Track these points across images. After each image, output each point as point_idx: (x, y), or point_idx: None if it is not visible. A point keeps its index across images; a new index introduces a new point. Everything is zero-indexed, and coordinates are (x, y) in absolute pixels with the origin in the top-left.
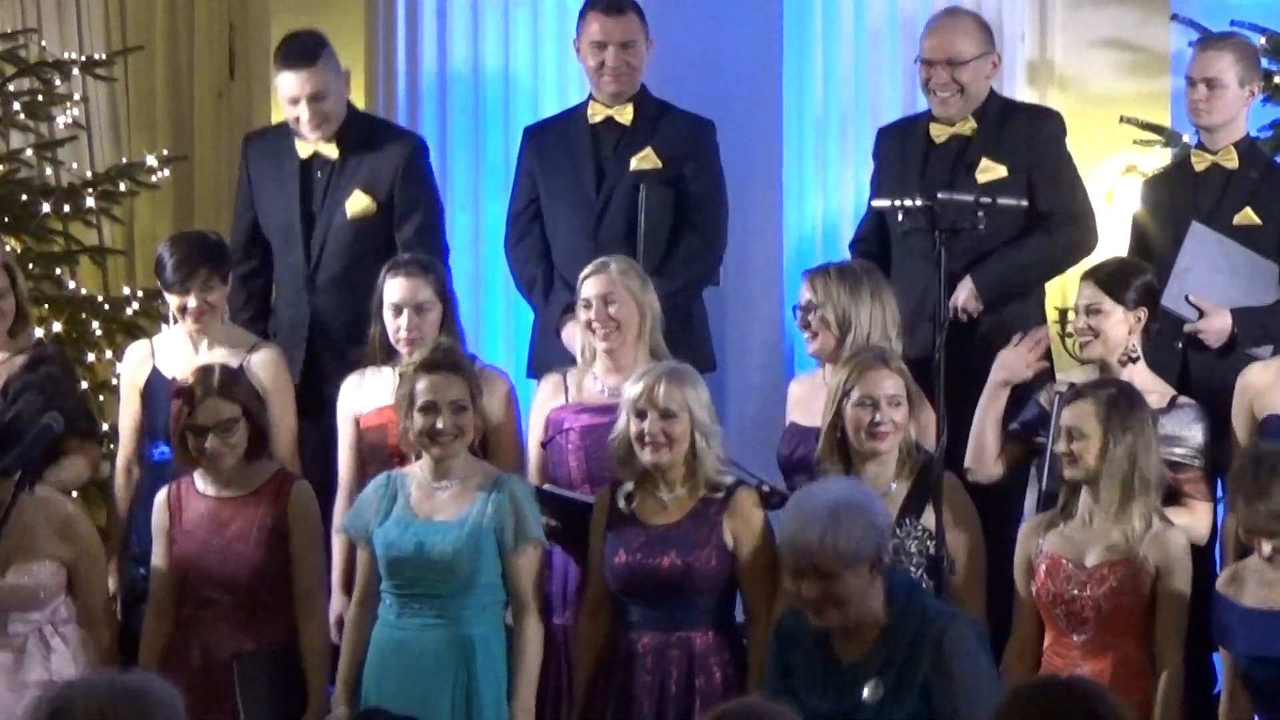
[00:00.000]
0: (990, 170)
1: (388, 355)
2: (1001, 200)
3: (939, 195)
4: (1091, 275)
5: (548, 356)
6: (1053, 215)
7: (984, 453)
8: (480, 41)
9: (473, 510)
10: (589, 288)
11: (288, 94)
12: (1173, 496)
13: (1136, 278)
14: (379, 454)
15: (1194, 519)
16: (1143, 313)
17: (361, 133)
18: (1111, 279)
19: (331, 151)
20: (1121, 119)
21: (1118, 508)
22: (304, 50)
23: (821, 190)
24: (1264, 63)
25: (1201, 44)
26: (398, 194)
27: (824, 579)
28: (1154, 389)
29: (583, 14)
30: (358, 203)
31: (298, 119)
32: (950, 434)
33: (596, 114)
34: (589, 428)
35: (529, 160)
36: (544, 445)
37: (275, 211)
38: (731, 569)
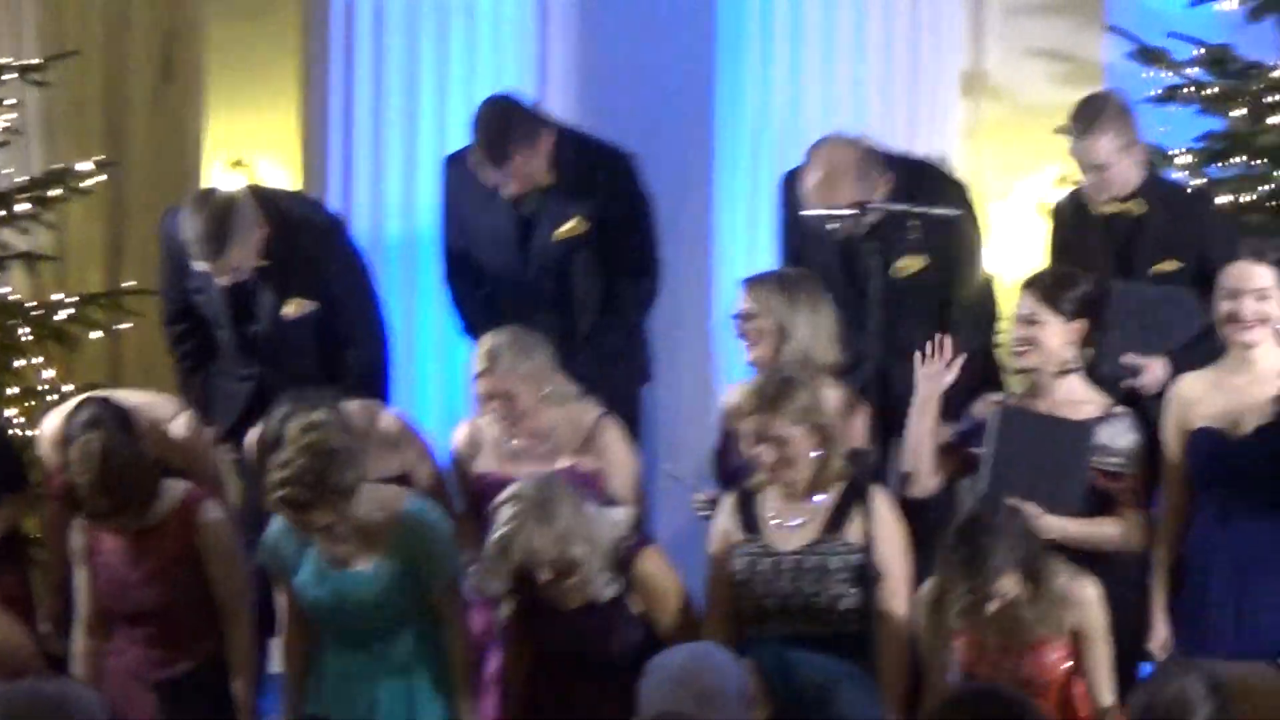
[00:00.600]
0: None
1: None
2: (935, 210)
3: (870, 204)
4: (1031, 285)
5: None
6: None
7: (919, 467)
8: (416, 47)
9: (385, 558)
10: (481, 388)
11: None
12: (1108, 505)
13: (1075, 288)
14: None
15: (1128, 527)
16: (1082, 324)
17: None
18: (1051, 290)
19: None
20: (1055, 129)
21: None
22: (213, 244)
23: (751, 200)
24: (1198, 74)
25: (1077, 131)
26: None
27: None
28: (1090, 399)
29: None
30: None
31: None
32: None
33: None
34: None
35: (455, 194)
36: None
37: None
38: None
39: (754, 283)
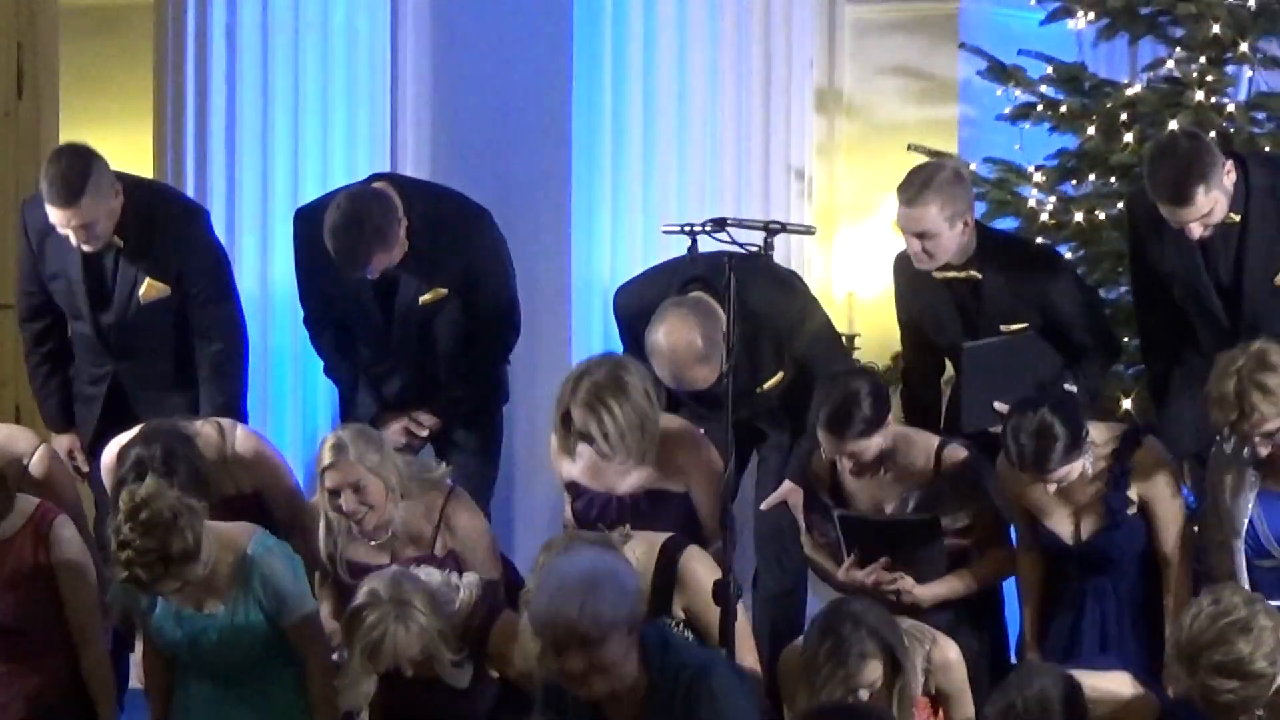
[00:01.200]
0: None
1: None
2: (791, 224)
3: (729, 220)
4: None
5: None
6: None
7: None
8: (270, 62)
9: (233, 597)
10: (331, 480)
11: (55, 222)
12: (963, 558)
13: (857, 412)
14: None
15: (992, 567)
16: (888, 428)
17: (142, 216)
18: (843, 430)
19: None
20: (909, 146)
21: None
22: (66, 189)
23: (610, 215)
24: (1050, 92)
25: (904, 198)
26: (187, 279)
27: (588, 648)
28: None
29: None
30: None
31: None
32: None
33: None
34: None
35: (308, 253)
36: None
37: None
38: None
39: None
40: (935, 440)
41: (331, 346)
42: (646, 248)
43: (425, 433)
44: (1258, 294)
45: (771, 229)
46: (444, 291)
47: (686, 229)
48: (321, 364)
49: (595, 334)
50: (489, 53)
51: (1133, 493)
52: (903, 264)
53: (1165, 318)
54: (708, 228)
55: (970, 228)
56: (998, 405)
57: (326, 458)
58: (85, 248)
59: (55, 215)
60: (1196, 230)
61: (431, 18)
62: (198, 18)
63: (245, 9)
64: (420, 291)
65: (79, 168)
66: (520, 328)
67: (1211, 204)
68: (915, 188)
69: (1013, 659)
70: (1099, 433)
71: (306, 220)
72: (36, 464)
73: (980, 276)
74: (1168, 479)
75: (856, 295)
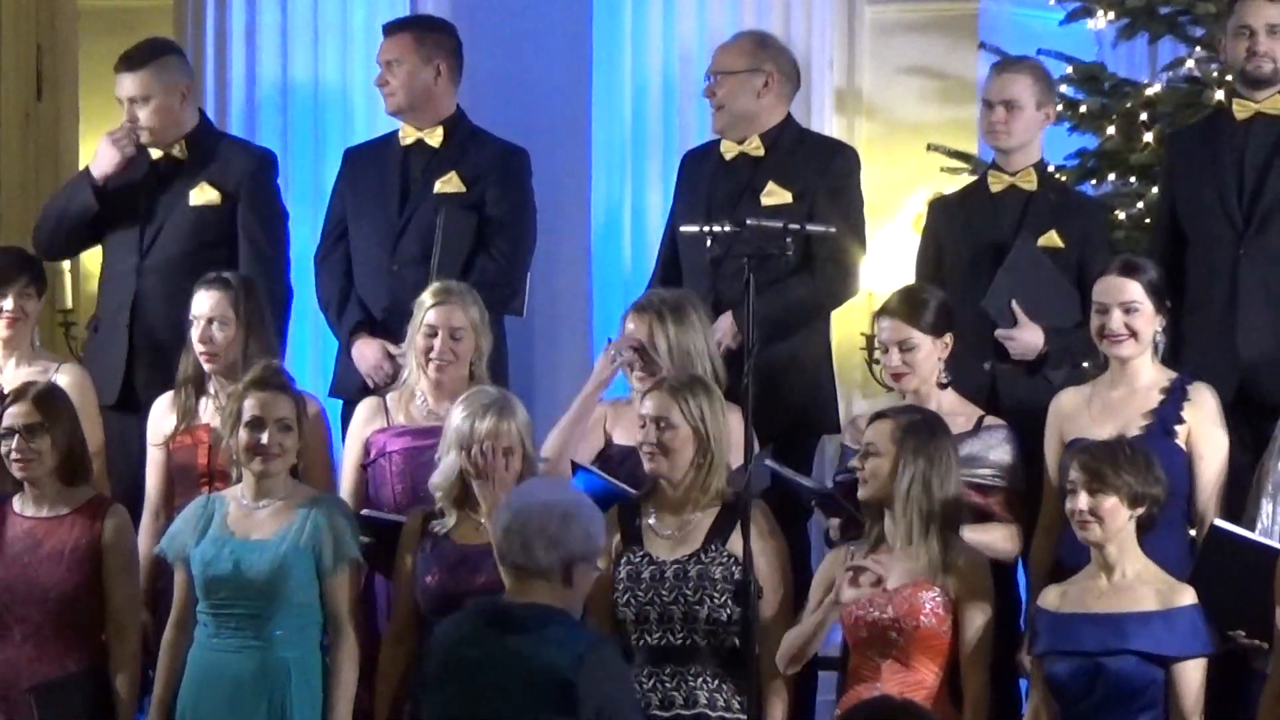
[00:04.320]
0: (776, 195)
1: (198, 376)
2: (810, 226)
3: (748, 221)
4: (892, 312)
5: (348, 375)
6: (818, 256)
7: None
8: (289, 63)
9: (290, 529)
10: (435, 316)
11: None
12: (983, 518)
13: (932, 303)
14: (187, 475)
15: (1000, 539)
16: (948, 337)
17: (213, 138)
18: (912, 312)
19: (180, 153)
20: (929, 147)
21: (913, 532)
22: (134, 54)
23: (630, 215)
24: (1070, 91)
25: (997, 67)
26: (243, 201)
27: None
28: (961, 412)
29: None
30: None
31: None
32: None
33: (408, 136)
34: (411, 450)
35: (341, 180)
36: (364, 468)
37: None
38: None
39: (640, 309)
40: (979, 412)
41: (338, 268)
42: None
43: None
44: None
45: (791, 229)
46: (460, 185)
47: (706, 230)
48: (319, 299)
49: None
50: (511, 82)
51: (1181, 440)
52: (946, 204)
53: (1179, 270)
54: (726, 227)
55: (1045, 127)
56: (1015, 305)
57: (434, 295)
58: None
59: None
60: (1263, 43)
61: (451, 16)
62: (217, 19)
63: (264, 10)
64: (441, 173)
65: (153, 44)
66: (529, 257)
67: None
68: (1012, 59)
69: (1022, 627)
70: (1156, 375)
71: (352, 156)
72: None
73: (1035, 188)
74: (1215, 426)
75: (876, 294)
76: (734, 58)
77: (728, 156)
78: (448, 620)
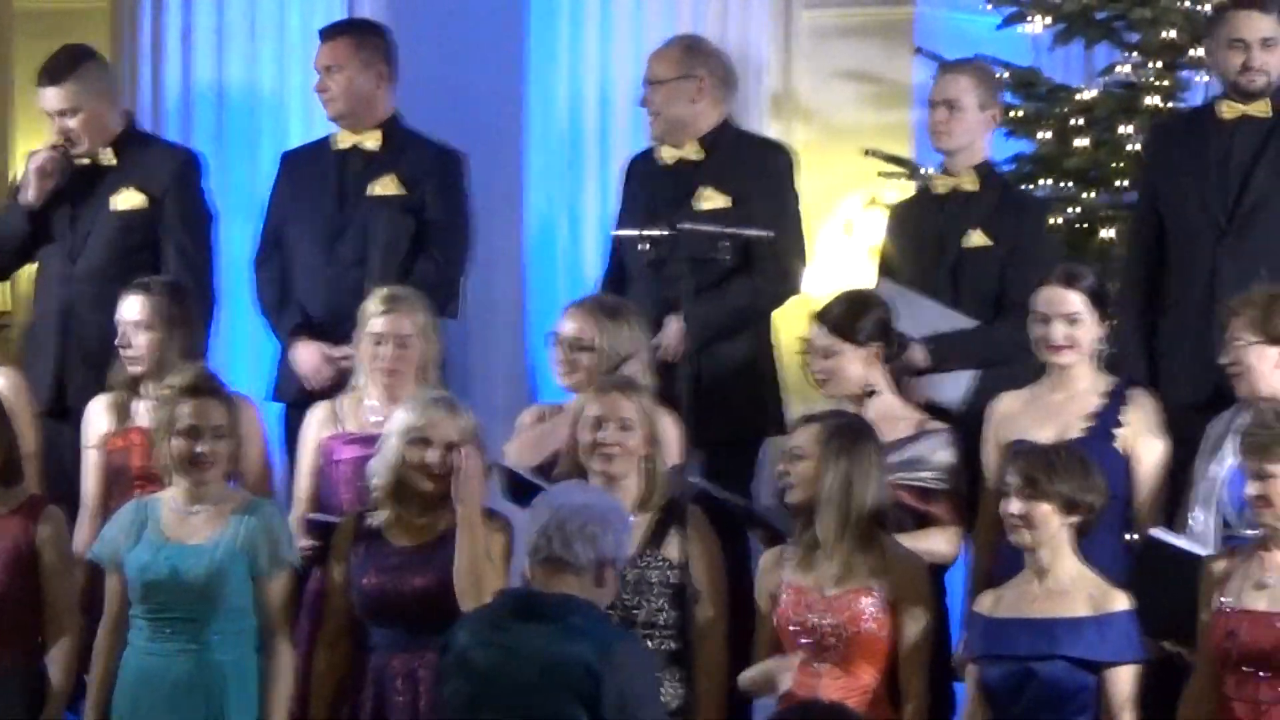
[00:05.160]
0: (711, 199)
1: (132, 378)
2: (746, 231)
3: (683, 225)
4: (821, 318)
5: (289, 379)
6: (756, 258)
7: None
8: (224, 65)
9: (225, 534)
10: (382, 324)
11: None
12: (925, 521)
13: (866, 315)
14: (122, 478)
15: (940, 543)
16: (878, 347)
17: (139, 140)
18: (842, 320)
19: (108, 158)
20: (865, 151)
21: (838, 535)
22: (54, 67)
23: (566, 219)
24: (1004, 96)
25: (943, 67)
26: (168, 204)
27: None
28: (904, 416)
29: None
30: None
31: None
32: None
33: (344, 141)
34: (361, 458)
35: (280, 183)
36: (317, 474)
37: None
38: None
39: (580, 306)
40: (921, 416)
41: (277, 271)
42: (601, 249)
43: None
44: (1264, 194)
45: (727, 233)
46: (398, 188)
47: (641, 234)
48: (257, 303)
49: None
50: (446, 86)
51: (1120, 443)
52: (898, 210)
53: (1156, 264)
54: (663, 232)
55: (990, 129)
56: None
57: (382, 303)
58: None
59: (41, 99)
60: (1257, 57)
61: (387, 21)
62: (153, 21)
63: (200, 13)
64: (378, 175)
65: (76, 50)
66: (466, 259)
67: (1277, 38)
68: (957, 60)
69: (954, 642)
70: (1096, 380)
71: (289, 159)
72: None
73: (976, 188)
74: (1154, 430)
75: (811, 299)
76: (666, 65)
77: (667, 162)
78: (472, 611)
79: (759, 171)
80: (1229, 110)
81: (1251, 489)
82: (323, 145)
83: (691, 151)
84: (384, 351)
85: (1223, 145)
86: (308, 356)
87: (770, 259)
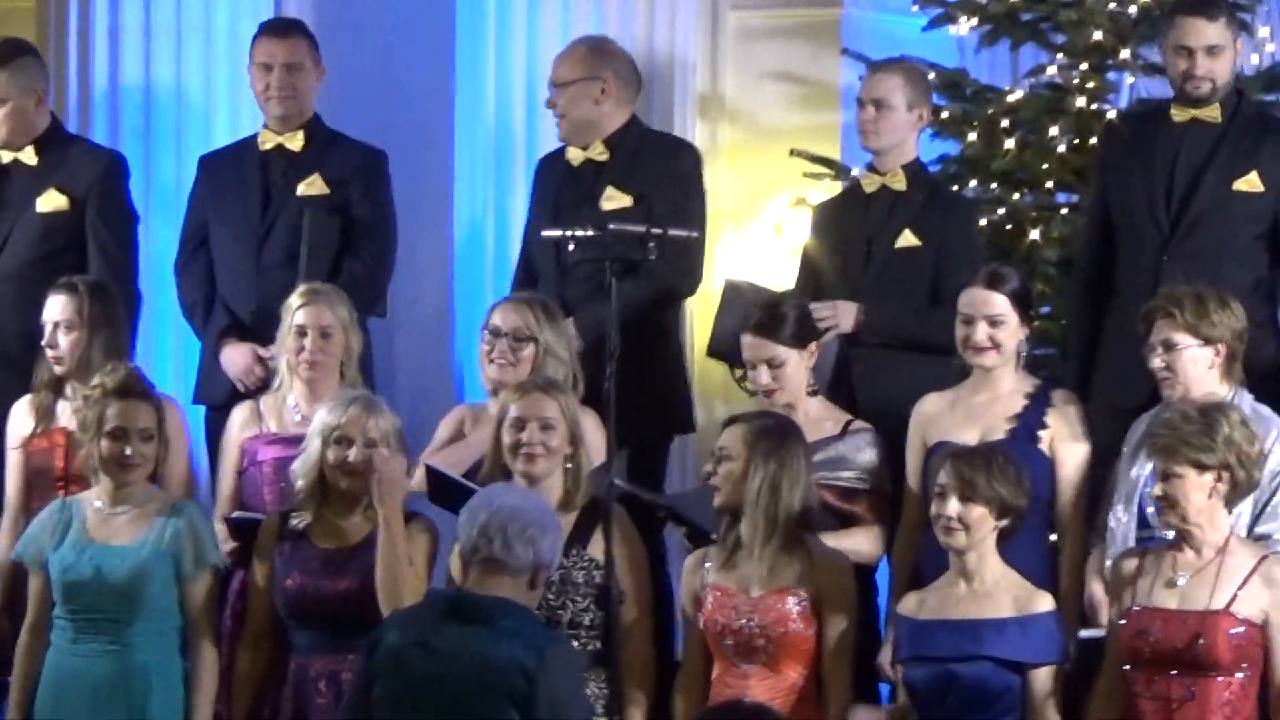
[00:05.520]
0: (615, 199)
1: (55, 379)
2: (673, 232)
3: (610, 226)
4: (754, 329)
5: (212, 381)
6: (661, 256)
7: None
8: (152, 65)
9: (150, 535)
10: (304, 316)
11: None
12: (848, 521)
13: (791, 315)
14: (44, 478)
15: (863, 542)
16: (813, 346)
17: (62, 141)
18: (774, 327)
19: (29, 158)
20: (791, 152)
21: (762, 536)
22: None
23: (493, 218)
24: (933, 97)
25: (872, 67)
26: (92, 205)
27: None
28: (829, 417)
29: (254, 39)
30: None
31: None
32: None
33: (267, 141)
34: (283, 459)
35: (200, 187)
36: (240, 474)
37: None
38: None
39: (516, 303)
40: (846, 417)
41: (201, 274)
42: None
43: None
44: (1210, 200)
45: (654, 234)
46: (324, 188)
47: (567, 235)
48: (181, 305)
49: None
50: (374, 85)
51: (1044, 445)
52: (824, 209)
53: (1106, 265)
54: (589, 232)
55: (918, 129)
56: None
57: (302, 296)
58: None
59: None
60: (1203, 64)
61: (315, 20)
62: (80, 21)
63: (127, 11)
64: (303, 175)
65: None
66: (393, 259)
67: (1225, 45)
68: (887, 60)
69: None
70: (1019, 382)
71: (208, 162)
72: None
73: (905, 188)
74: (1078, 433)
75: None
76: (570, 67)
77: (574, 163)
78: (401, 611)
79: (663, 170)
80: (1179, 114)
81: (1157, 489)
82: (243, 147)
83: (597, 152)
84: (307, 344)
85: (1172, 148)
86: (239, 357)
87: (670, 257)
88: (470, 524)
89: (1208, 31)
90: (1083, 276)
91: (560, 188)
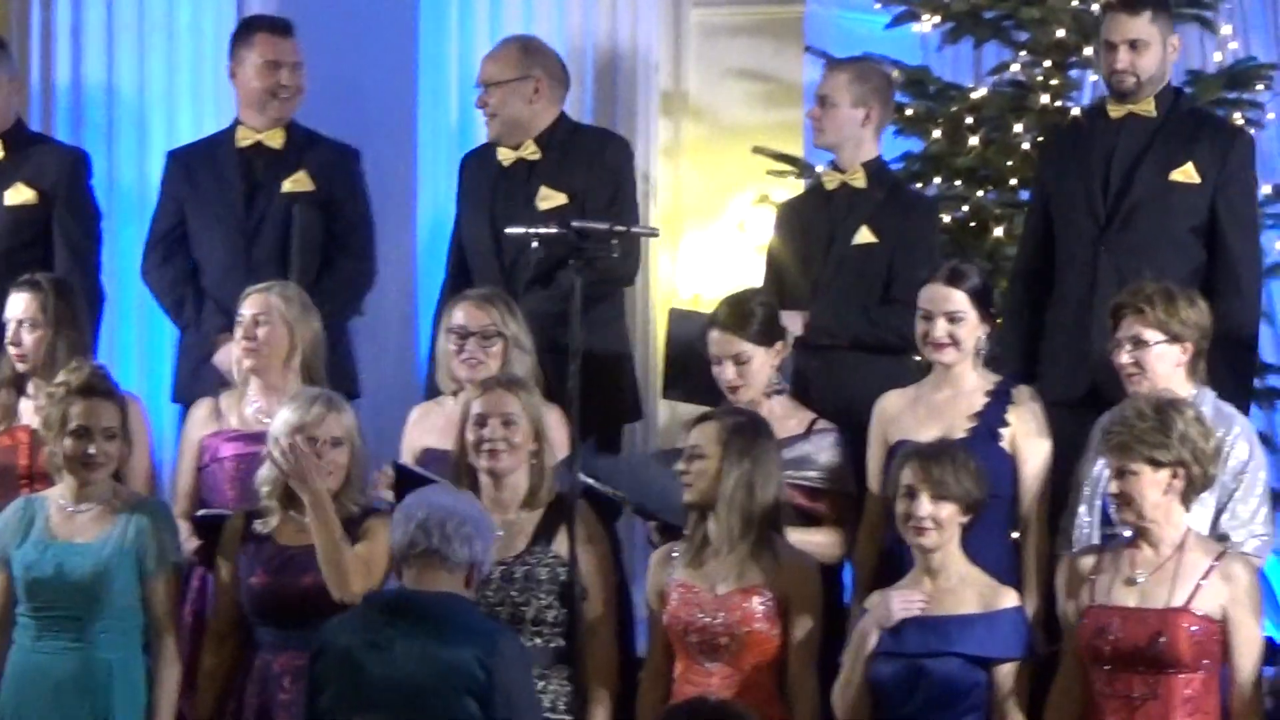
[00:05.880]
0: (550, 198)
1: (17, 377)
2: (636, 229)
3: (573, 223)
4: (720, 325)
5: (194, 380)
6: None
7: None
8: (115, 63)
9: (113, 533)
10: (244, 307)
11: None
12: (810, 520)
13: (759, 312)
14: (7, 476)
15: (825, 542)
16: (779, 345)
17: (27, 137)
18: (741, 323)
19: None
20: (754, 149)
21: (737, 535)
22: None
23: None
24: (896, 94)
25: (826, 64)
26: (58, 201)
27: None
28: (793, 415)
29: (244, 35)
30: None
31: None
32: None
33: (245, 138)
34: (243, 456)
35: (174, 184)
36: (199, 470)
37: None
38: None
39: (488, 300)
40: (811, 416)
41: (178, 274)
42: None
43: None
44: (1146, 191)
45: (616, 231)
46: (309, 184)
47: (531, 232)
48: (164, 304)
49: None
50: (337, 83)
51: (1005, 443)
52: (787, 207)
53: (1044, 261)
54: (552, 230)
55: (871, 127)
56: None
57: (253, 289)
58: None
59: None
60: (1123, 58)
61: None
62: (42, 19)
63: (90, 10)
64: (288, 172)
65: None
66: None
67: (1150, 41)
68: (846, 59)
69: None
70: (980, 379)
71: (180, 158)
72: None
73: (864, 185)
74: (1039, 430)
75: (703, 297)
76: (503, 67)
77: (505, 163)
78: (339, 617)
79: (594, 164)
80: (1115, 109)
81: (1113, 487)
82: (217, 143)
83: (529, 151)
84: (240, 332)
85: (1108, 143)
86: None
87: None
88: (407, 522)
89: (1129, 25)
90: (1021, 270)
91: (494, 188)
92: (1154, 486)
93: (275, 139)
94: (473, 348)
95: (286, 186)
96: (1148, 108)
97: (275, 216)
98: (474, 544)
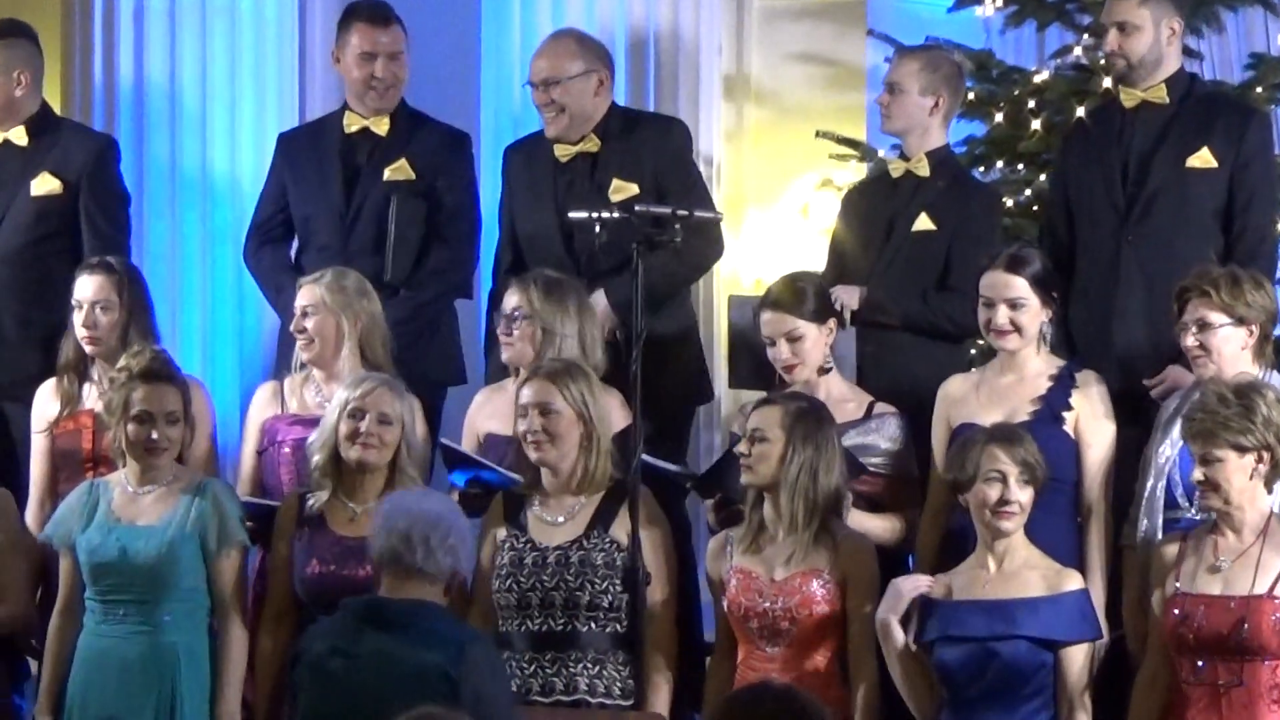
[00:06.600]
0: (622, 189)
1: (80, 362)
2: (700, 213)
3: (636, 208)
4: (773, 304)
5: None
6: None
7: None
8: (177, 50)
9: (176, 514)
10: (297, 299)
11: None
12: (873, 504)
13: (810, 290)
14: (72, 460)
15: (888, 525)
16: (832, 322)
17: (53, 125)
18: (794, 302)
19: (20, 138)
20: (817, 133)
21: (800, 520)
22: None
23: None
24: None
25: (897, 51)
26: (85, 187)
27: None
28: (851, 398)
29: (345, 23)
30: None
31: None
32: None
33: (352, 124)
34: (300, 441)
35: (278, 168)
36: (259, 454)
37: None
38: None
39: (523, 281)
40: (869, 399)
41: (279, 262)
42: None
43: None
44: (1164, 180)
45: (679, 216)
46: (410, 173)
47: (594, 216)
48: (263, 290)
49: None
50: None
51: (1069, 426)
52: (852, 193)
53: (1067, 253)
54: (615, 214)
55: (939, 115)
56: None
57: (306, 278)
58: None
59: None
60: (1111, 40)
61: (338, 6)
62: (105, 7)
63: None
64: (390, 160)
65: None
66: (479, 242)
67: (1141, 25)
68: (917, 46)
69: None
70: (1043, 363)
71: (288, 141)
72: None
73: (928, 174)
74: (1103, 413)
75: (764, 282)
76: (565, 63)
77: (564, 159)
78: (318, 624)
79: (659, 150)
80: (1127, 98)
81: (1197, 474)
82: (324, 128)
83: (590, 144)
84: (294, 324)
85: (1125, 132)
86: None
87: (691, 231)
88: (388, 531)
89: (1117, 7)
90: None
91: (555, 182)
92: (1240, 472)
93: (380, 125)
94: (503, 328)
95: (387, 175)
96: (1160, 95)
97: (374, 204)
98: (458, 554)
